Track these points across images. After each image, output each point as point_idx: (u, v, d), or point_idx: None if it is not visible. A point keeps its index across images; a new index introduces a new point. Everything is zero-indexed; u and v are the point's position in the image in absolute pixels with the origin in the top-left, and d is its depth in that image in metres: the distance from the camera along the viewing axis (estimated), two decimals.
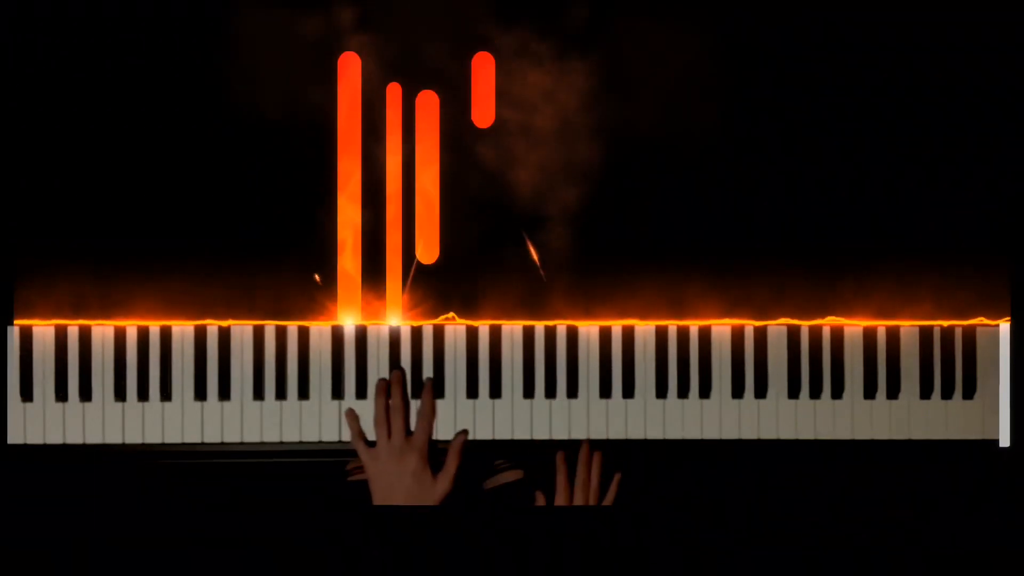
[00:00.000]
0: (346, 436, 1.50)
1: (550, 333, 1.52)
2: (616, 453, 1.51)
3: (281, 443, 1.51)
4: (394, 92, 1.50)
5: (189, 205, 1.49)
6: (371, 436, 1.49)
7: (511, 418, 1.52)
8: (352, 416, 1.50)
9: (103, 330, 1.50)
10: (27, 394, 1.49)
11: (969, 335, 1.53)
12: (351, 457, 1.51)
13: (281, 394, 1.51)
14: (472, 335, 1.52)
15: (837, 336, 1.53)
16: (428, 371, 1.51)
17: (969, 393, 1.53)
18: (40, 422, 1.49)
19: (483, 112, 1.50)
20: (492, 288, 1.51)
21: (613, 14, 1.49)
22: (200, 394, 1.50)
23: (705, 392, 1.52)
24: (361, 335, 1.51)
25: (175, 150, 1.49)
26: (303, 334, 1.51)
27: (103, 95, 1.49)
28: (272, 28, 1.49)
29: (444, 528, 1.40)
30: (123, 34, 1.48)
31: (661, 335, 1.52)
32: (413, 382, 1.51)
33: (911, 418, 1.53)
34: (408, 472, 1.45)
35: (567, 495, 1.48)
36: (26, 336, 1.50)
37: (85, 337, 1.49)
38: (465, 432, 1.50)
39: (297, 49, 1.49)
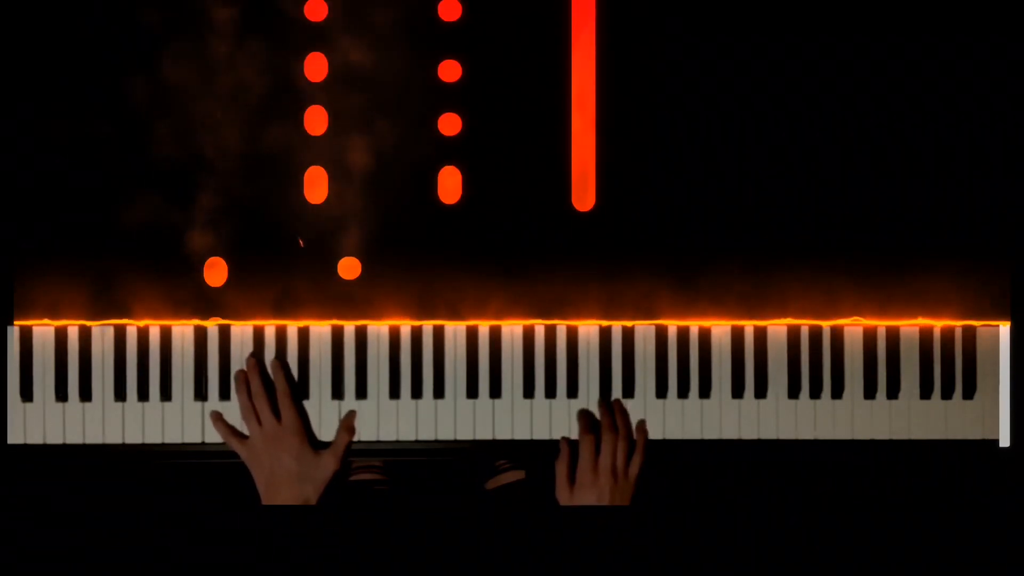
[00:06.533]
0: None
1: (550, 333, 1.52)
2: None
3: None
4: None
5: (188, 205, 1.49)
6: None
7: (511, 418, 1.52)
8: (217, 417, 1.49)
9: (103, 330, 1.50)
10: (27, 394, 1.49)
11: (969, 335, 1.53)
12: (354, 457, 1.51)
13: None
14: (472, 335, 1.52)
15: (837, 336, 1.53)
16: (428, 371, 1.51)
17: (969, 393, 1.53)
18: (40, 422, 1.49)
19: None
20: (492, 287, 1.51)
21: None
22: (200, 394, 1.50)
23: (705, 392, 1.52)
24: (361, 335, 1.51)
25: (169, 150, 1.49)
26: (303, 334, 1.51)
27: (106, 94, 1.49)
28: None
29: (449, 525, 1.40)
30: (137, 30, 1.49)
31: (661, 335, 1.52)
32: (413, 382, 1.51)
33: (911, 418, 1.53)
34: (286, 454, 1.45)
35: (568, 479, 1.47)
36: (26, 336, 1.49)
37: (85, 337, 1.49)
38: (354, 412, 1.50)
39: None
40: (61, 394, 1.49)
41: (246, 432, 1.48)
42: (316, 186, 1.49)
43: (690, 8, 1.50)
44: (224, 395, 1.51)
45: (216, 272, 1.49)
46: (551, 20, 1.50)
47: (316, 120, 1.49)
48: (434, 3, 1.49)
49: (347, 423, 1.49)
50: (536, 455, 1.52)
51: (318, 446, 1.48)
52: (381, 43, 1.49)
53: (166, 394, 1.50)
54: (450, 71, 1.48)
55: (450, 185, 1.49)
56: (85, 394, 1.50)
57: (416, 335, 1.52)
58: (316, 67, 1.49)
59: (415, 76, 1.49)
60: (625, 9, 1.50)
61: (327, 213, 1.49)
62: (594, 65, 1.50)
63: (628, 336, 1.52)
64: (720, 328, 1.52)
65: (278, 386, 1.48)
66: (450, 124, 1.47)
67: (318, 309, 1.50)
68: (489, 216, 1.50)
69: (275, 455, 1.45)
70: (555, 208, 1.50)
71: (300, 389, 1.51)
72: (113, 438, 1.50)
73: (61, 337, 1.50)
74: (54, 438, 1.50)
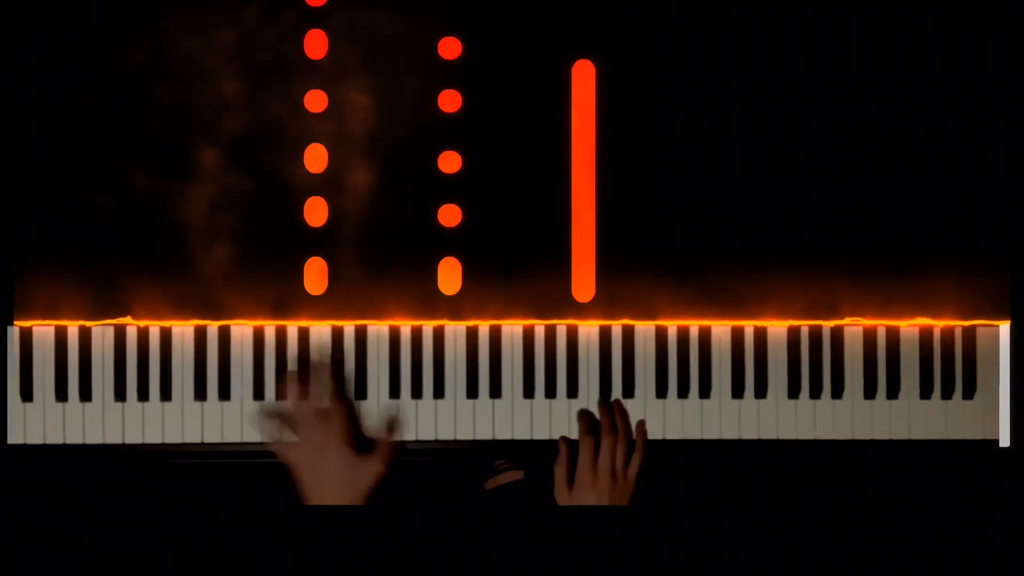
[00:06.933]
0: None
1: (550, 333, 1.52)
2: None
3: None
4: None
5: (188, 204, 1.49)
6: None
7: (511, 418, 1.52)
8: (263, 418, 1.48)
9: (103, 330, 1.50)
10: (27, 394, 1.49)
11: (969, 335, 1.53)
12: None
13: (281, 394, 1.50)
14: (472, 335, 1.52)
15: (837, 336, 1.53)
16: (428, 371, 1.51)
17: (969, 393, 1.53)
18: (40, 422, 1.49)
19: None
20: (498, 289, 1.51)
21: None
22: (200, 394, 1.50)
23: (705, 392, 1.52)
24: (361, 335, 1.51)
25: (166, 151, 1.49)
26: (303, 334, 1.51)
27: (107, 94, 1.49)
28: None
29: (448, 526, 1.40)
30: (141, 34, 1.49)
31: (661, 335, 1.52)
32: (413, 382, 1.51)
33: (911, 418, 1.53)
34: (332, 457, 1.43)
35: (566, 480, 1.48)
36: (26, 336, 1.50)
37: (85, 337, 1.50)
38: (397, 416, 1.50)
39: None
40: (61, 394, 1.49)
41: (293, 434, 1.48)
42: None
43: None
44: (224, 395, 1.51)
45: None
46: (550, 115, 1.50)
47: (316, 211, 1.50)
48: (435, 94, 1.50)
49: (392, 427, 1.49)
50: (536, 455, 1.52)
51: (365, 449, 1.46)
52: (380, 136, 1.50)
53: (166, 394, 1.50)
54: (450, 162, 1.49)
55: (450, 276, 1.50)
56: (85, 394, 1.50)
57: (416, 335, 1.52)
58: (316, 159, 1.50)
59: (415, 166, 1.50)
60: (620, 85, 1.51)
61: (326, 302, 1.50)
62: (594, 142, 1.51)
63: (628, 336, 1.52)
64: (720, 328, 1.52)
65: (325, 389, 1.48)
66: (450, 215, 1.48)
67: (318, 309, 1.50)
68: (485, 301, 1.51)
69: (321, 459, 1.43)
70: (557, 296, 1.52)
71: (356, 390, 1.51)
72: (113, 438, 1.50)
73: (61, 337, 1.50)
74: (54, 438, 1.50)
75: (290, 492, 1.59)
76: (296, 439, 1.46)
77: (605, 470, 1.45)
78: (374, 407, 1.51)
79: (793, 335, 1.53)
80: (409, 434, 1.51)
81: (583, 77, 1.50)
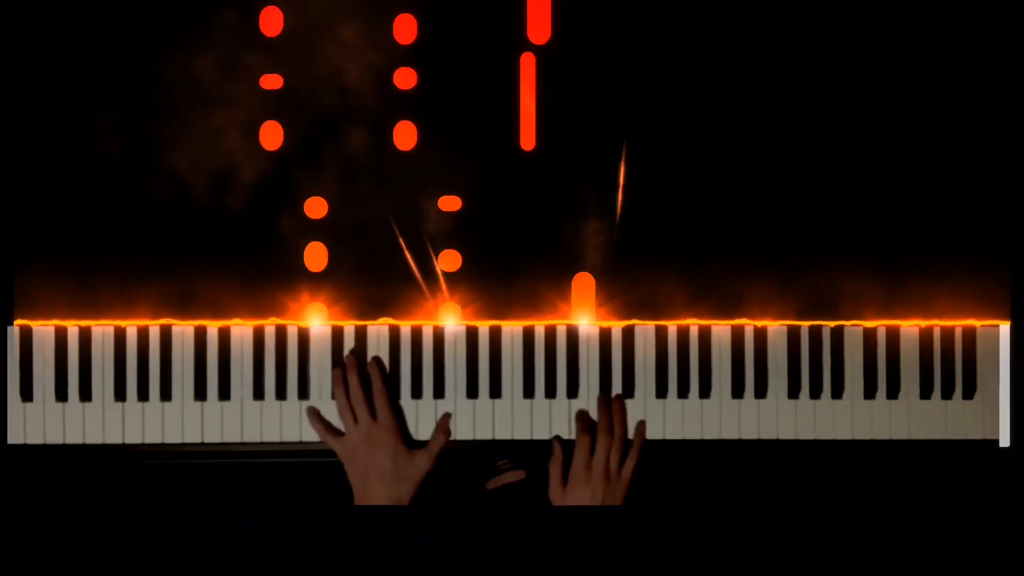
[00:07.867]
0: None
1: (550, 333, 1.52)
2: None
3: (281, 443, 1.51)
4: None
5: (188, 205, 1.49)
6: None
7: (511, 418, 1.52)
8: (314, 413, 1.50)
9: (103, 330, 1.50)
10: (27, 394, 1.49)
11: (969, 335, 1.53)
12: None
13: (281, 394, 1.51)
14: (472, 335, 1.52)
15: (837, 336, 1.53)
16: (428, 371, 1.51)
17: (969, 393, 1.53)
18: (40, 422, 1.49)
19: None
20: (499, 290, 1.51)
21: None
22: (200, 394, 1.50)
23: (705, 392, 1.52)
24: (361, 335, 1.51)
25: (167, 151, 1.49)
26: (303, 334, 1.51)
27: (107, 94, 1.49)
28: None
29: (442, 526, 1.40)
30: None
31: (661, 335, 1.52)
32: (413, 382, 1.51)
33: (911, 418, 1.53)
34: (382, 452, 1.46)
35: (561, 478, 1.48)
36: (26, 336, 1.49)
37: (85, 337, 1.49)
38: (449, 414, 1.51)
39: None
40: (61, 394, 1.49)
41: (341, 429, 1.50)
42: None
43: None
44: (224, 395, 1.50)
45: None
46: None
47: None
48: (434, 199, 1.50)
49: (443, 425, 1.50)
50: (536, 455, 1.52)
51: (413, 446, 1.48)
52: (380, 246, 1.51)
53: (166, 394, 1.50)
54: (450, 260, 1.50)
55: None
56: (85, 394, 1.49)
57: (416, 335, 1.52)
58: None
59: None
60: None
61: (326, 302, 1.51)
62: None
63: (628, 336, 1.52)
64: (720, 328, 1.52)
65: (374, 385, 1.49)
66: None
67: (318, 309, 1.50)
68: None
69: (371, 453, 1.46)
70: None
71: (394, 388, 1.51)
72: (113, 438, 1.50)
73: (61, 337, 1.50)
74: (54, 438, 1.50)
75: (288, 492, 1.59)
76: (346, 433, 1.48)
77: (599, 469, 1.46)
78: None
79: (793, 335, 1.53)
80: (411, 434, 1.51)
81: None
